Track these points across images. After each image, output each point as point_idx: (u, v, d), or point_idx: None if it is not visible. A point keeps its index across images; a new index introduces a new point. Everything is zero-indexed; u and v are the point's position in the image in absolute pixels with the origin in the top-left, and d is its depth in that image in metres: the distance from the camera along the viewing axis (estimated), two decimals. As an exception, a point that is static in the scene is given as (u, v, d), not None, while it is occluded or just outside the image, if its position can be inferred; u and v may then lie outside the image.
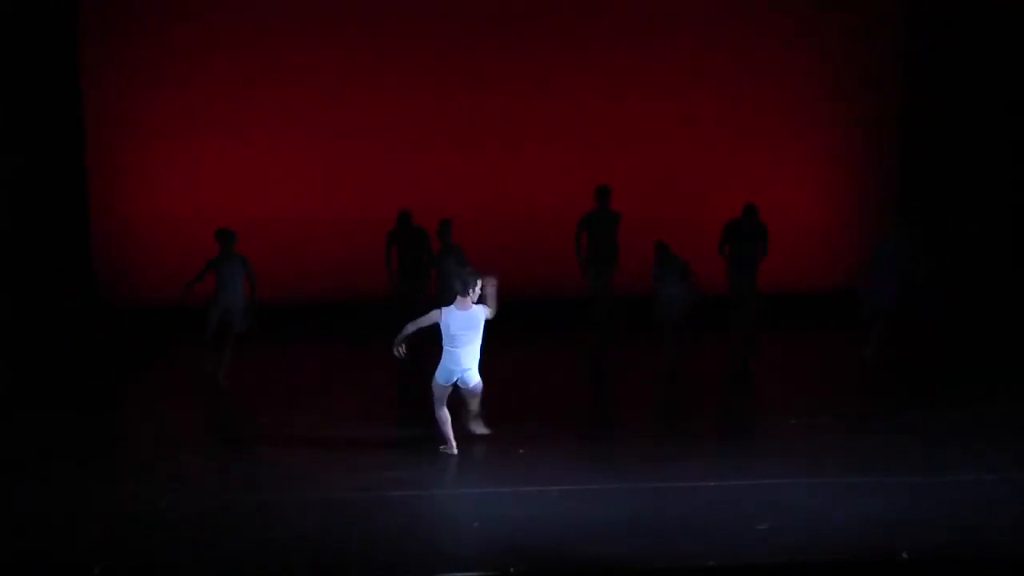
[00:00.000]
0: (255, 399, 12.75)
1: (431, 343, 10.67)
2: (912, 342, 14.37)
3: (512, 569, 7.76)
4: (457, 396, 10.62)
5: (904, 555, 7.97)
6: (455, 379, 10.38)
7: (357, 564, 8.02)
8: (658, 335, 13.71)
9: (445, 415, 10.43)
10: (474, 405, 10.74)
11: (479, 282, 10.32)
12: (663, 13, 17.14)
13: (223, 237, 13.31)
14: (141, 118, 16.57)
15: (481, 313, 10.31)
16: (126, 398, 13.26)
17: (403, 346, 10.33)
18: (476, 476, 9.76)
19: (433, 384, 10.38)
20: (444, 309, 10.34)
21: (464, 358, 10.29)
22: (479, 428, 10.87)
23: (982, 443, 10.47)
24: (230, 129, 16.67)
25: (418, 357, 11.77)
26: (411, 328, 10.25)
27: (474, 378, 10.41)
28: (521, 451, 10.40)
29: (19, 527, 8.77)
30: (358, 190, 16.74)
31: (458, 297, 10.32)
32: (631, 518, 8.72)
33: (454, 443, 10.43)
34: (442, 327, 10.29)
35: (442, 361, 10.33)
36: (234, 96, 16.65)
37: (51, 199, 15.50)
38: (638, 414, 12.16)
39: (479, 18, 17.00)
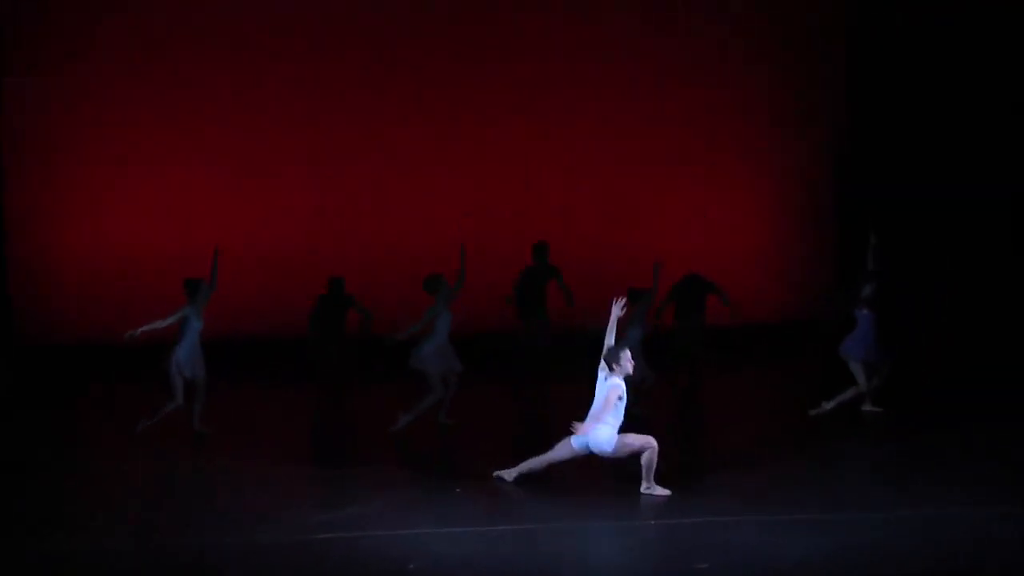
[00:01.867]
0: (185, 439, 12.20)
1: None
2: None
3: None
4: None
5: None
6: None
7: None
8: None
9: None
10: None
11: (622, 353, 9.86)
12: (600, 47, 17.13)
13: (194, 286, 12.01)
14: (60, 144, 16.13)
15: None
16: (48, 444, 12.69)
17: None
18: (414, 516, 9.44)
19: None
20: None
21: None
22: None
23: (940, 477, 10.38)
24: (154, 157, 16.29)
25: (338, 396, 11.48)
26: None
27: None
28: (458, 490, 10.14)
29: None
30: (285, 224, 16.39)
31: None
32: (564, 558, 8.50)
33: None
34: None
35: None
36: (159, 125, 16.29)
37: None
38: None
39: (419, 50, 16.82)
